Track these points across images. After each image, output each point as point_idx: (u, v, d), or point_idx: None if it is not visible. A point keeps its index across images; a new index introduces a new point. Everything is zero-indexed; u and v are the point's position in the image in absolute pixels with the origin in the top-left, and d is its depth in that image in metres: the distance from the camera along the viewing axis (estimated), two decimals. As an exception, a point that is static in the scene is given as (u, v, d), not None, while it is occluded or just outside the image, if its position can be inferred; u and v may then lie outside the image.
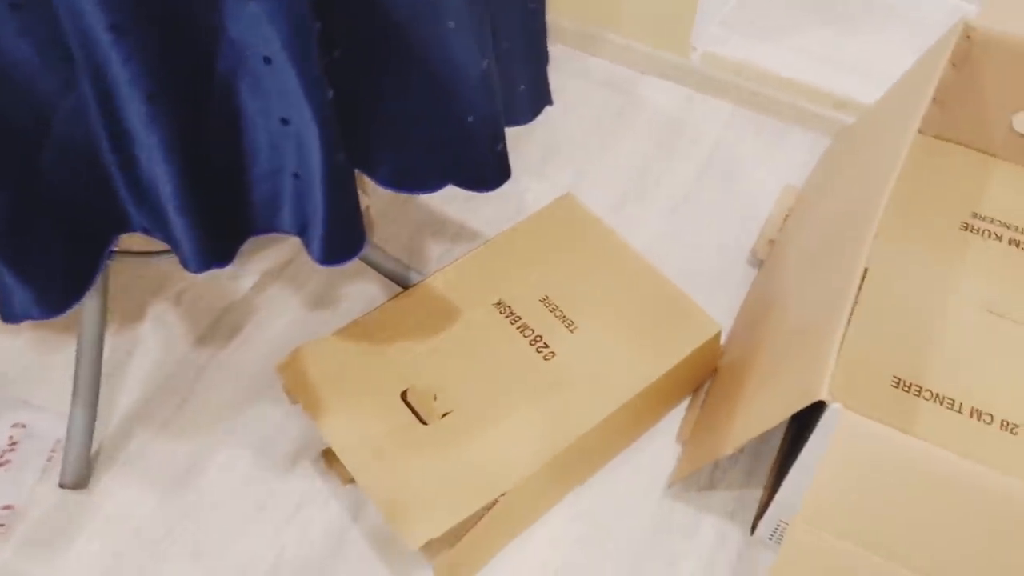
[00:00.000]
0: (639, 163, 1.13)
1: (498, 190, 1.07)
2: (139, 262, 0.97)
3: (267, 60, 0.50)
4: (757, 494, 0.86)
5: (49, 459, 0.86)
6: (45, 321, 0.94)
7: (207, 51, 0.50)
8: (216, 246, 0.58)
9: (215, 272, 0.99)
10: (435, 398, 0.82)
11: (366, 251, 0.93)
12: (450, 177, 0.67)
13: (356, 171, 0.66)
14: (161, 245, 0.63)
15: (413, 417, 0.81)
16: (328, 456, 0.87)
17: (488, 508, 0.76)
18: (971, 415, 0.74)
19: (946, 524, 0.61)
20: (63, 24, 0.46)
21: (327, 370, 0.84)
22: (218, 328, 0.96)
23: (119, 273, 1.00)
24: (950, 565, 0.62)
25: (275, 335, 0.96)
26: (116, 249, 0.85)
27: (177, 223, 0.54)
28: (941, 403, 0.74)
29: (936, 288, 0.81)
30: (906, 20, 1.23)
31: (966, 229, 0.86)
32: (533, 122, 1.15)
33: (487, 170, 0.67)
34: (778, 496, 0.76)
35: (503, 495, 0.76)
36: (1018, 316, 0.79)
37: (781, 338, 0.78)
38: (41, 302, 0.56)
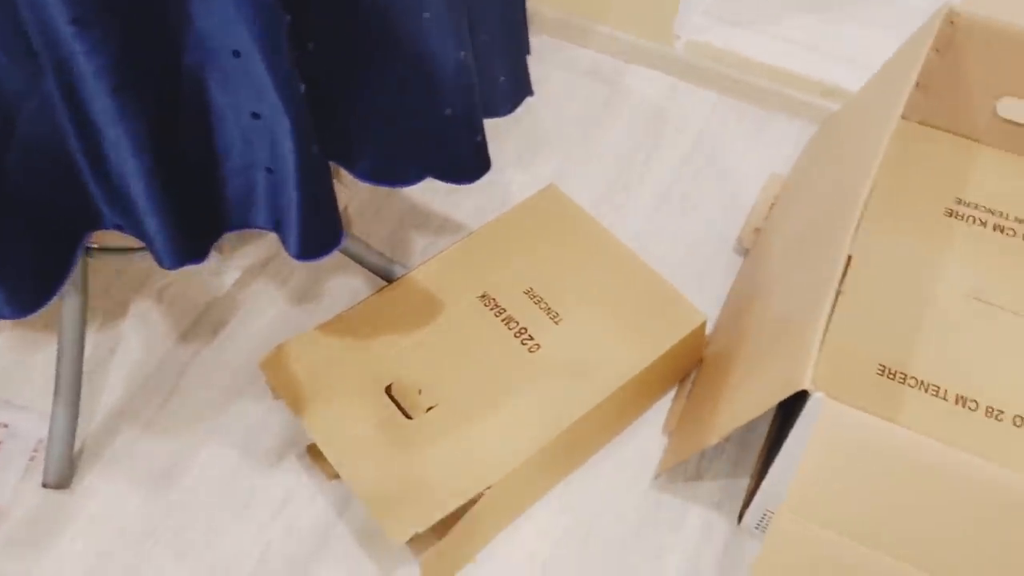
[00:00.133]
0: (624, 153, 1.12)
1: (482, 182, 1.07)
2: (120, 259, 0.96)
3: (236, 53, 0.49)
4: (744, 483, 0.86)
5: (31, 459, 0.86)
6: (23, 320, 0.93)
7: (174, 44, 0.49)
8: (190, 242, 0.57)
9: (197, 268, 0.98)
10: (420, 392, 0.81)
11: (345, 245, 0.92)
12: (429, 170, 0.66)
13: (335, 166, 0.65)
14: (140, 242, 0.63)
15: (398, 411, 0.80)
16: (313, 451, 0.87)
17: (474, 502, 0.75)
18: (956, 402, 0.74)
19: (930, 512, 0.61)
20: (24, 18, 0.45)
21: (310, 365, 0.83)
22: (201, 324, 0.96)
23: (100, 270, 0.99)
24: (935, 553, 0.62)
25: (259, 331, 0.95)
26: (96, 246, 0.85)
27: (149, 219, 0.54)
28: (926, 390, 0.74)
29: (921, 275, 0.81)
30: (892, 6, 1.22)
31: (951, 215, 0.86)
32: (517, 113, 1.15)
33: (467, 162, 0.67)
34: (764, 485, 0.76)
35: (489, 489, 0.75)
36: (1003, 302, 0.79)
37: (765, 327, 0.78)
38: (12, 302, 0.56)
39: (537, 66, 1.21)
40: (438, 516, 0.74)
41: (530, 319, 0.86)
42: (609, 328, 0.85)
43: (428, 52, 0.57)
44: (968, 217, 0.86)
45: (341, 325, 0.86)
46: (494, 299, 0.87)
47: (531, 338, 0.85)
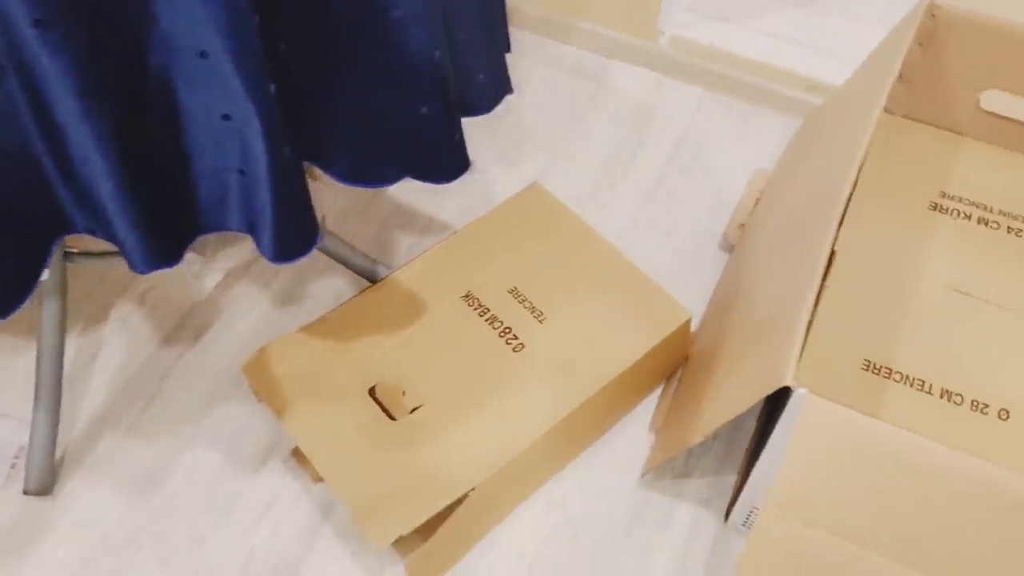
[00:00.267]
0: (609, 150, 1.12)
1: (466, 181, 1.07)
2: (101, 263, 0.95)
3: (203, 54, 0.48)
4: (732, 480, 0.86)
5: (12, 466, 0.85)
6: (3, 325, 0.92)
7: (139, 44, 0.48)
8: (162, 245, 0.56)
9: (179, 271, 0.97)
10: (404, 393, 0.81)
11: (328, 246, 0.92)
12: (407, 170, 0.66)
13: (320, 174, 0.64)
14: (116, 246, 0.62)
15: (382, 413, 0.80)
16: (298, 455, 0.86)
17: (460, 503, 0.75)
18: (941, 396, 0.73)
19: (915, 507, 0.61)
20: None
21: (293, 368, 0.83)
22: (184, 328, 0.95)
23: (81, 275, 0.98)
24: (920, 549, 0.61)
25: (242, 333, 0.95)
26: (76, 251, 0.84)
27: (119, 222, 0.53)
28: (911, 385, 0.74)
29: (906, 269, 0.81)
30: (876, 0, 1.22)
31: (935, 209, 0.86)
32: (501, 111, 1.14)
33: (445, 162, 0.66)
34: (749, 483, 0.75)
35: (473, 490, 0.75)
36: (988, 295, 0.79)
37: (749, 324, 0.78)
38: (-21, 306, 0.55)
39: (520, 63, 1.20)
40: (422, 518, 0.73)
41: (514, 318, 0.85)
42: (594, 326, 0.85)
43: (401, 51, 0.57)
44: (952, 210, 0.86)
45: (324, 327, 0.86)
46: (478, 299, 0.87)
47: (515, 337, 0.84)
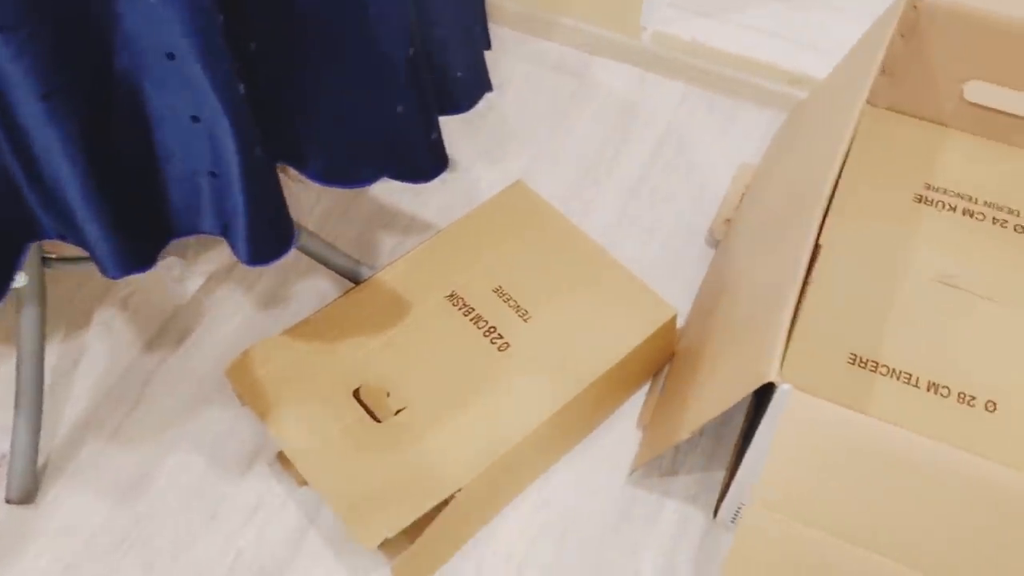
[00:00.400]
0: (593, 146, 1.11)
1: (450, 179, 1.06)
2: (80, 268, 0.94)
3: (170, 55, 0.48)
4: (720, 477, 0.85)
5: (-6, 474, 0.84)
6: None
7: (104, 46, 0.47)
8: (134, 249, 0.56)
9: (161, 275, 0.96)
10: (388, 395, 0.80)
11: (311, 248, 0.91)
12: (384, 169, 0.65)
13: (296, 174, 0.63)
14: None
15: (366, 415, 0.79)
16: (283, 458, 0.85)
17: (446, 504, 0.74)
18: (928, 389, 0.73)
19: (901, 502, 0.60)
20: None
21: (277, 371, 0.82)
22: (167, 332, 0.94)
23: (61, 280, 0.97)
24: (907, 543, 0.61)
25: (226, 337, 0.94)
26: (54, 256, 0.83)
27: (89, 227, 0.52)
28: (898, 378, 0.74)
29: (892, 262, 0.80)
30: (858, -8, 1.22)
31: (920, 201, 0.86)
32: (484, 109, 1.14)
33: (422, 161, 0.65)
34: (737, 479, 0.75)
35: (459, 491, 0.74)
36: (973, 287, 0.79)
37: (734, 320, 0.77)
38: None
39: (501, 60, 1.20)
40: (408, 520, 0.73)
41: (499, 317, 0.85)
42: (579, 325, 0.84)
43: (374, 49, 0.56)
44: (937, 202, 0.85)
45: (307, 329, 0.85)
46: (462, 298, 0.86)
47: (500, 337, 0.84)
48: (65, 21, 0.45)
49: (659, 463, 0.86)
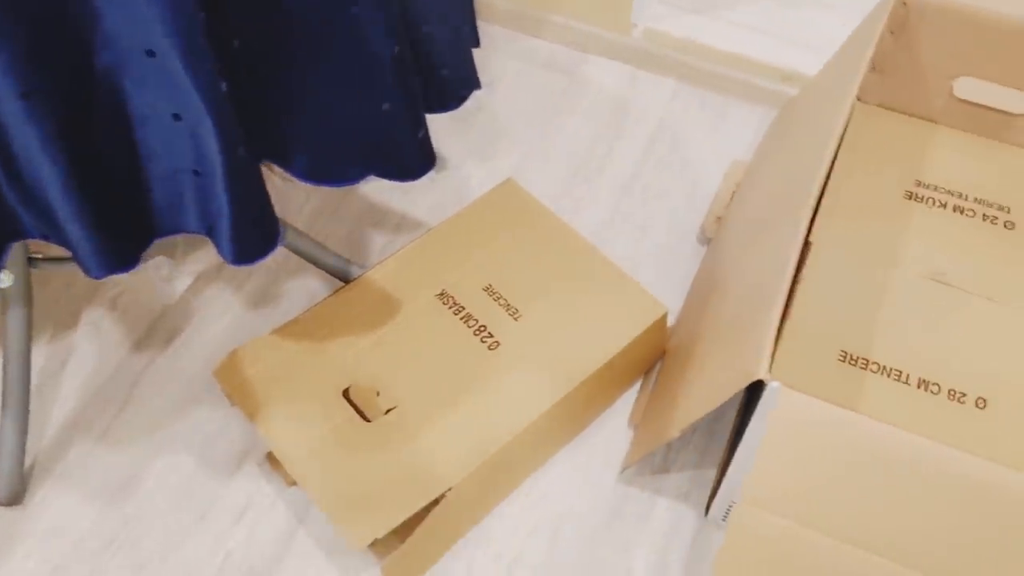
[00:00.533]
0: (585, 144, 1.11)
1: (440, 178, 1.06)
2: (68, 268, 0.93)
3: (151, 53, 0.47)
4: (711, 474, 0.85)
5: (-19, 476, 0.84)
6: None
7: (84, 44, 0.47)
8: (117, 249, 0.55)
9: (150, 274, 0.96)
10: (378, 394, 0.80)
11: (301, 247, 0.91)
12: (371, 167, 0.64)
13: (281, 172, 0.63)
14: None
15: (356, 415, 0.79)
16: (272, 458, 0.85)
17: (436, 503, 0.74)
18: (919, 386, 0.73)
19: (890, 499, 0.60)
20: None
21: (266, 371, 0.81)
22: (156, 332, 0.94)
23: (49, 281, 0.96)
24: (896, 540, 0.61)
25: (215, 336, 0.93)
26: (40, 256, 0.82)
27: (71, 227, 0.52)
28: (888, 375, 0.74)
29: (882, 259, 0.80)
30: (849, -11, 1.22)
31: (910, 198, 0.85)
32: (475, 107, 1.13)
33: (409, 159, 0.65)
34: (728, 477, 0.75)
35: (449, 490, 0.74)
36: (963, 283, 0.79)
37: (724, 318, 0.77)
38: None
39: (492, 58, 1.19)
40: (398, 520, 0.72)
41: (489, 316, 0.84)
42: (569, 323, 0.84)
43: (360, 47, 0.55)
44: (928, 199, 0.85)
45: (296, 328, 0.84)
46: (452, 297, 0.86)
47: (490, 335, 0.83)
48: (43, 20, 0.45)
49: (651, 461, 0.86)
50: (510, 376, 0.81)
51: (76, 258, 0.56)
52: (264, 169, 0.60)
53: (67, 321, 0.94)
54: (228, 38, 0.52)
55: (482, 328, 0.84)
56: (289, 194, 1.04)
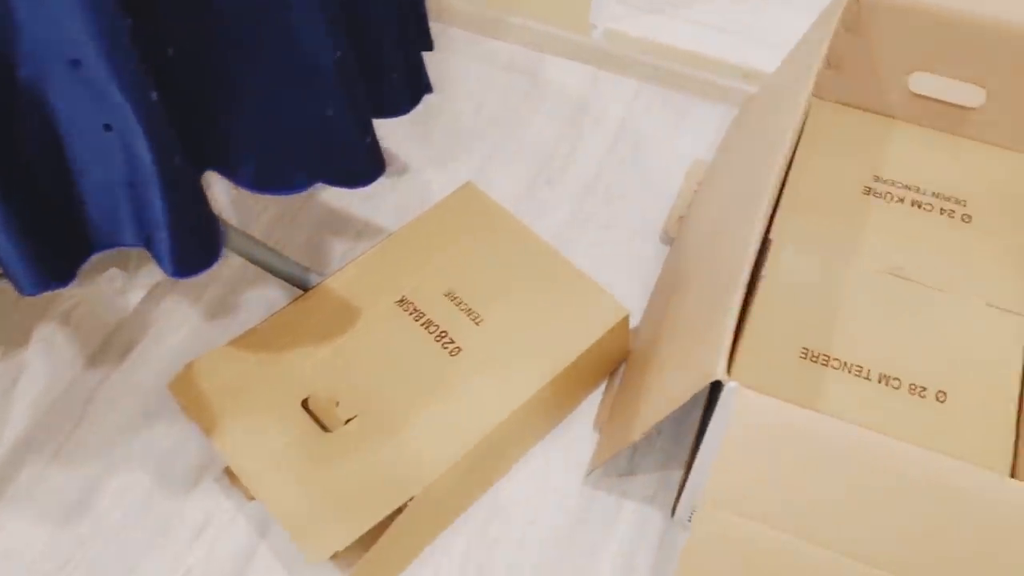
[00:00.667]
0: (547, 145, 1.10)
1: (402, 183, 1.04)
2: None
3: (75, 63, 0.46)
4: (678, 475, 0.85)
5: (-70, 499, 0.81)
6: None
7: (6, 58, 0.45)
8: (51, 265, 0.53)
9: (104, 287, 0.94)
10: (337, 404, 0.79)
11: (257, 256, 0.89)
12: (318, 175, 0.63)
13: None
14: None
15: (315, 425, 0.77)
16: (231, 473, 0.83)
17: (400, 512, 0.73)
18: (879, 381, 0.73)
19: (851, 496, 0.60)
20: None
21: (222, 383, 0.80)
22: (110, 346, 0.92)
23: (-1, 296, 0.94)
24: (858, 538, 0.61)
25: (172, 349, 0.92)
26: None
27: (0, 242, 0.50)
28: (849, 371, 0.74)
29: (841, 255, 0.80)
30: (807, -14, 1.22)
31: (868, 193, 0.86)
32: (435, 110, 1.12)
33: (357, 165, 0.64)
34: (691, 478, 0.74)
35: (412, 499, 0.73)
36: (922, 277, 0.79)
37: (684, 318, 0.77)
38: None
39: (454, 61, 1.18)
40: (359, 532, 0.71)
41: (450, 321, 0.83)
42: (530, 327, 0.83)
43: (299, 52, 0.54)
44: (886, 194, 0.85)
45: (253, 339, 0.83)
46: (412, 303, 0.85)
47: (452, 341, 0.82)
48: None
49: (616, 463, 0.85)
50: (472, 381, 0.80)
51: (7, 274, 0.54)
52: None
53: (18, 338, 0.92)
54: (162, 46, 0.50)
55: (443, 334, 0.83)
56: (247, 201, 1.02)
